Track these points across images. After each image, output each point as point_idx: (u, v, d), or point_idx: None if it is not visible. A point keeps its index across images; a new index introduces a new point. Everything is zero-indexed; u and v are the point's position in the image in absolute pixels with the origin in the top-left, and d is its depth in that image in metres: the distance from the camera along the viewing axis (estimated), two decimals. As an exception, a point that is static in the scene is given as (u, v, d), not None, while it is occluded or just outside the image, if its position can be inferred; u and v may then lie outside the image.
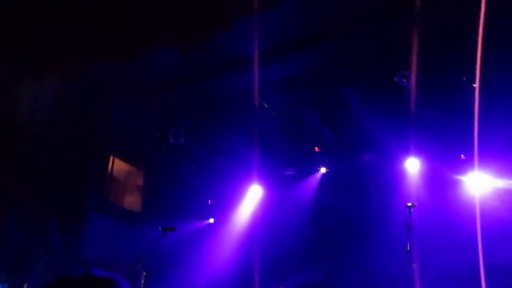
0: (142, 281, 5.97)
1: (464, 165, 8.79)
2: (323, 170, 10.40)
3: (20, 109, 6.76)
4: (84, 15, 6.58)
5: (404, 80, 7.90)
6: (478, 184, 8.56)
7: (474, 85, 7.72)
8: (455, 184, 8.83)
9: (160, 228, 6.42)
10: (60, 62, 6.87)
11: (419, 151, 9.00)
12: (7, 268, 7.53)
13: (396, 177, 9.27)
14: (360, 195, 9.70)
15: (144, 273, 5.99)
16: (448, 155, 8.90)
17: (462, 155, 8.87)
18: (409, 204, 5.95)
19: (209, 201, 11.49)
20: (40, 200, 8.02)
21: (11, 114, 6.67)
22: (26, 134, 6.74)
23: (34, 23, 6.31)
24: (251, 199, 10.94)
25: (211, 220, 11.43)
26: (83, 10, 6.56)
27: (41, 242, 8.04)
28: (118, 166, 10.66)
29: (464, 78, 7.77)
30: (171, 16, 6.64)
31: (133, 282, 5.94)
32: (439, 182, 8.90)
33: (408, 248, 5.57)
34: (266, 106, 9.11)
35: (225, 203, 11.15)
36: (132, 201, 11.01)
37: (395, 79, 7.88)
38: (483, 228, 7.65)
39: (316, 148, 10.28)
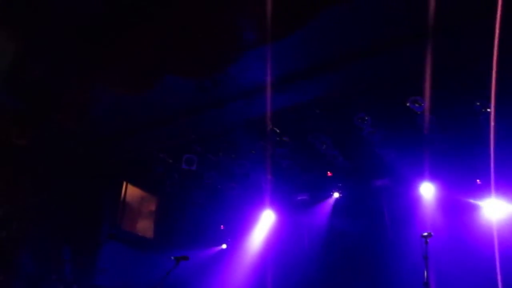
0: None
1: (480, 191, 8.63)
2: (336, 195, 10.31)
3: (34, 138, 6.86)
4: (98, 45, 6.69)
5: (417, 105, 7.85)
6: (495, 209, 8.39)
7: (488, 110, 7.65)
8: (471, 210, 8.66)
9: (172, 258, 6.35)
10: (74, 91, 6.99)
11: (434, 176, 8.88)
12: (21, 297, 7.53)
13: (411, 202, 9.14)
14: (374, 221, 9.57)
15: (158, 304, 5.92)
16: (464, 180, 8.75)
17: (478, 180, 8.73)
18: (425, 233, 5.82)
19: (222, 227, 11.44)
20: (54, 228, 8.05)
21: (22, 143, 6.76)
22: (39, 167, 6.82)
23: (52, 54, 6.45)
24: (264, 224, 10.87)
25: (224, 246, 11.36)
26: (97, 41, 6.68)
27: (54, 271, 8.03)
28: (131, 192, 10.70)
29: (478, 103, 7.70)
30: (184, 46, 6.71)
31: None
32: (455, 207, 8.74)
33: (426, 280, 5.42)
34: (278, 131, 9.12)
35: (238, 229, 11.09)
36: (145, 227, 11.01)
37: (407, 104, 7.84)
38: (501, 255, 7.46)
39: (328, 172, 10.21)
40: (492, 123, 7.43)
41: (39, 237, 7.56)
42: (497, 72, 6.63)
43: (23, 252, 6.77)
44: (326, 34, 6.94)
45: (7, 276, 6.10)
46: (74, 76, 6.81)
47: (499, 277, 7.20)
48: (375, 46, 7.21)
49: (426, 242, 5.74)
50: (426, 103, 7.68)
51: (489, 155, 7.53)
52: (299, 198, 10.68)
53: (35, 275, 7.69)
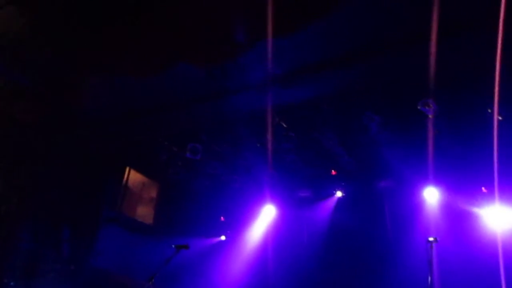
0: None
1: (484, 198, 8.54)
2: (339, 194, 10.24)
3: (39, 116, 6.82)
4: (109, 30, 6.63)
5: (427, 107, 7.75)
6: (499, 218, 8.30)
7: (500, 118, 7.54)
8: (475, 217, 8.57)
9: (173, 246, 6.30)
10: (83, 76, 6.94)
11: (439, 181, 8.79)
12: (18, 273, 7.52)
13: (414, 206, 9.05)
14: (376, 222, 9.49)
15: (155, 291, 5.88)
16: (469, 187, 8.65)
17: (483, 188, 8.63)
18: (431, 238, 5.71)
19: (222, 218, 11.41)
20: (54, 208, 8.03)
21: (26, 119, 6.73)
22: (42, 144, 6.78)
23: (62, 40, 6.39)
24: (264, 218, 10.82)
25: (223, 238, 11.33)
26: (109, 26, 6.62)
27: (52, 249, 8.02)
28: (133, 177, 10.67)
29: (489, 110, 7.58)
30: (195, 34, 6.65)
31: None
32: (458, 214, 8.65)
33: (429, 285, 5.34)
34: (284, 126, 9.04)
35: (238, 221, 11.05)
36: (145, 212, 10.99)
37: (418, 107, 7.75)
38: (506, 264, 7.38)
39: (333, 171, 10.13)
40: (495, 129, 7.35)
41: (38, 215, 7.54)
42: (501, 79, 6.53)
43: (21, 228, 6.74)
44: (337, 30, 6.84)
45: (5, 251, 6.08)
46: (83, 58, 6.76)
47: (503, 282, 7.11)
48: (387, 44, 7.10)
49: (432, 247, 5.65)
50: (435, 107, 7.59)
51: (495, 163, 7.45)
52: (301, 194, 10.62)
53: (33, 252, 7.69)
